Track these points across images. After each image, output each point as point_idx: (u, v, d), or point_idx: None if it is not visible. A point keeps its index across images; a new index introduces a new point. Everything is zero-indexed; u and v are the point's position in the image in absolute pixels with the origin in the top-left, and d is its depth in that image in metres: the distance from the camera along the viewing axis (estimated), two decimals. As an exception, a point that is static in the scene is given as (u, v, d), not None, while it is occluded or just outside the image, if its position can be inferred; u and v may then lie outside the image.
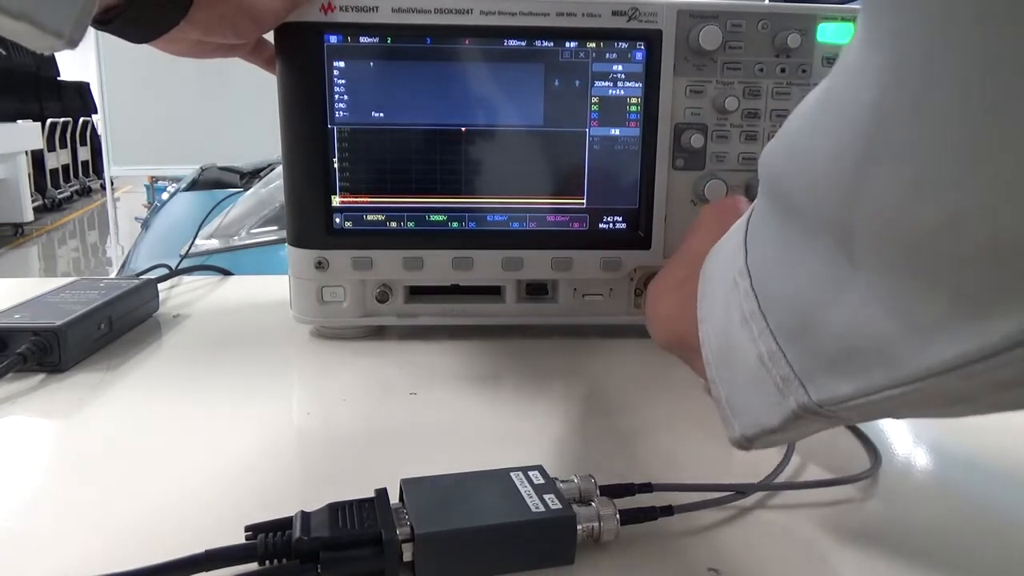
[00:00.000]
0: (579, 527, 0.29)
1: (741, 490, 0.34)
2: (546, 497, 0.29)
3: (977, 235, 0.18)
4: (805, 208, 0.24)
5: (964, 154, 0.18)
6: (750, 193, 0.53)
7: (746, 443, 0.30)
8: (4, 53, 6.18)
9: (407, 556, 0.27)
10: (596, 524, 0.29)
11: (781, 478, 0.36)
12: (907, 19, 0.18)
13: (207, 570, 0.26)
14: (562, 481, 0.31)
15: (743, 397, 0.29)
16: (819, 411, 0.25)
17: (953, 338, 0.19)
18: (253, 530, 0.28)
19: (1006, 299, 0.18)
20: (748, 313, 0.27)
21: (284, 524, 0.28)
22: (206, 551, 0.27)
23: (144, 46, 0.45)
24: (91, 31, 0.42)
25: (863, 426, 0.41)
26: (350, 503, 0.29)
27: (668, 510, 0.31)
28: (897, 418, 0.25)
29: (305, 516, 0.28)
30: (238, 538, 0.28)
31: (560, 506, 0.29)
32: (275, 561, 0.27)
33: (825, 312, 0.23)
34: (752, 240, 0.29)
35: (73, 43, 0.33)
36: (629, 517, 0.30)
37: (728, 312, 0.29)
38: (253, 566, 0.27)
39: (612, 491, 0.32)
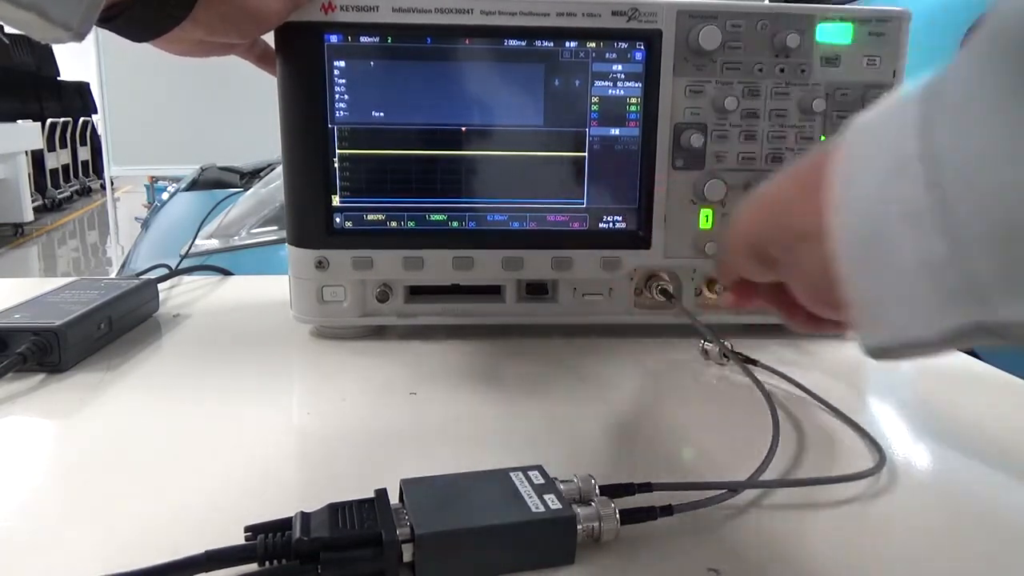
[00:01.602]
0: (579, 527, 0.29)
1: (740, 488, 0.34)
2: (546, 497, 0.29)
3: None
4: None
5: None
6: (749, 192, 0.53)
7: (880, 354, 0.27)
8: (6, 42, 6.18)
9: (407, 556, 0.27)
10: (596, 524, 0.29)
11: (781, 474, 0.36)
12: None
13: (207, 571, 0.26)
14: (562, 481, 0.31)
15: (888, 303, 0.26)
16: (1004, 332, 0.22)
17: None
18: (253, 531, 0.28)
19: None
20: (920, 208, 0.23)
21: (284, 525, 0.28)
22: (206, 552, 0.27)
23: (144, 46, 0.45)
24: (92, 30, 0.43)
25: (867, 425, 0.41)
26: (350, 503, 0.29)
27: (668, 510, 0.31)
28: None
29: (305, 516, 0.28)
30: (237, 538, 0.28)
31: (560, 506, 0.29)
32: (275, 562, 0.27)
33: None
34: (943, 118, 0.24)
35: (80, 36, 0.34)
36: (629, 517, 0.30)
37: (883, 203, 0.25)
38: (253, 567, 0.27)
39: (612, 491, 0.32)
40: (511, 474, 0.31)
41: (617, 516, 0.30)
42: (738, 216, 0.39)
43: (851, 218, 0.27)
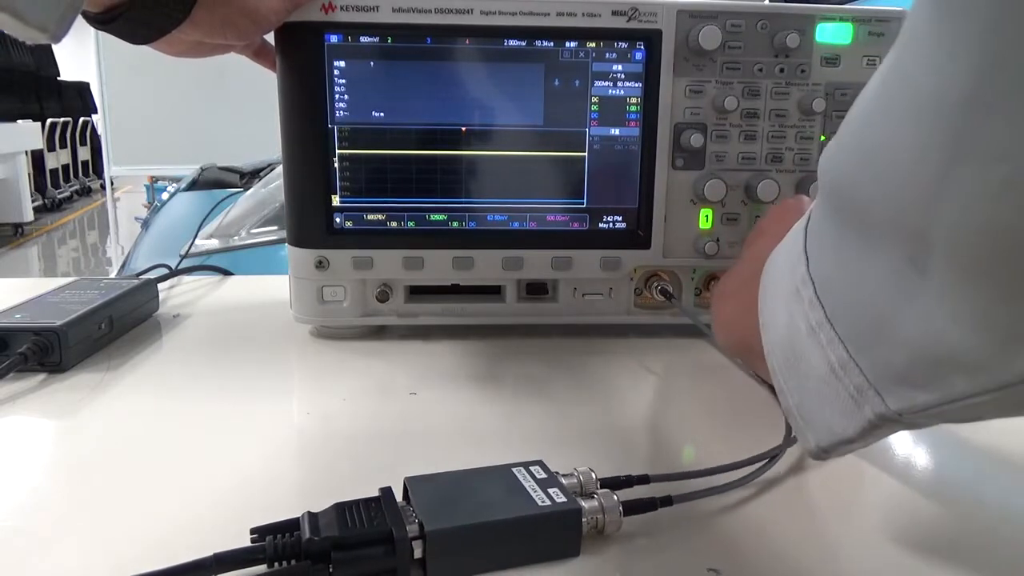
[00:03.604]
0: (583, 519, 0.29)
1: (734, 485, 0.34)
2: (550, 491, 0.30)
3: None
4: (873, 213, 0.23)
5: None
6: (750, 193, 0.53)
7: (822, 454, 0.29)
8: None
9: (417, 553, 0.27)
10: (600, 516, 0.30)
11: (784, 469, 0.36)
12: (1001, 15, 0.17)
13: (215, 574, 0.26)
14: (563, 475, 0.31)
15: (815, 406, 0.28)
16: (898, 419, 0.24)
17: None
18: (259, 532, 0.28)
19: None
20: (815, 323, 0.26)
21: (290, 525, 0.28)
22: (214, 555, 0.26)
23: (144, 46, 0.45)
24: (91, 30, 0.43)
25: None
26: (356, 502, 0.29)
27: (667, 500, 0.31)
28: (982, 420, 0.24)
29: (312, 516, 0.28)
30: (240, 539, 0.28)
31: (565, 499, 0.29)
32: (284, 563, 0.27)
33: (895, 322, 0.22)
34: (812, 247, 0.27)
35: (56, 38, 0.34)
36: (629, 508, 0.30)
37: (792, 320, 0.28)
38: (262, 568, 0.27)
39: (612, 484, 0.32)
40: (513, 469, 0.31)
41: (620, 508, 0.30)
42: (713, 323, 0.43)
43: (774, 336, 0.30)
